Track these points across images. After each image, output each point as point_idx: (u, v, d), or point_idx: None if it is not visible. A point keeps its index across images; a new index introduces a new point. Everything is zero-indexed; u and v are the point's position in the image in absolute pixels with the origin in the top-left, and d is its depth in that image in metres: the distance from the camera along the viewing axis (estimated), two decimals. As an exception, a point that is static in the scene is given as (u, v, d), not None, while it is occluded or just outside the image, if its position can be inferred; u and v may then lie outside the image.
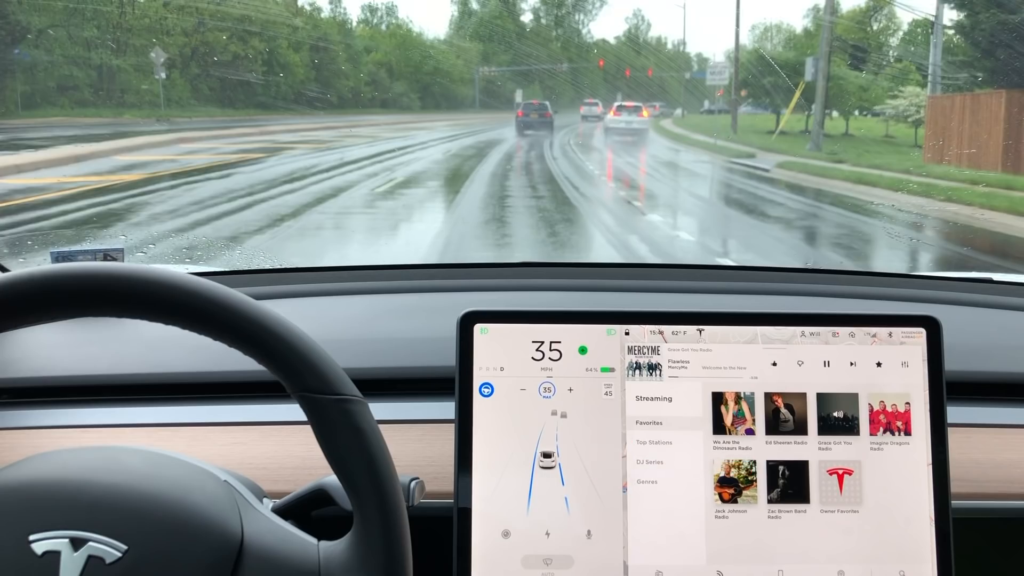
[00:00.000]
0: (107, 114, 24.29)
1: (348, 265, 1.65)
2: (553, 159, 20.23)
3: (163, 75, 24.14)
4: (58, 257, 1.37)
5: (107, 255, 1.39)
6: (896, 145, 19.94)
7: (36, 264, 0.82)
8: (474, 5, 47.22)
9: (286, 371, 0.76)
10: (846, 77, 23.56)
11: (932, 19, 17.88)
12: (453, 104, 41.84)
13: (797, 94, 20.52)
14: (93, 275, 0.74)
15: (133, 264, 0.76)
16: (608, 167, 20.50)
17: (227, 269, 1.61)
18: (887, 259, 8.59)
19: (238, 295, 0.76)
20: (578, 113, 36.32)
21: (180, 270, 0.80)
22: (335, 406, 0.76)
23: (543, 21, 52.20)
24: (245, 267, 1.74)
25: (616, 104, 29.38)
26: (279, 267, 1.72)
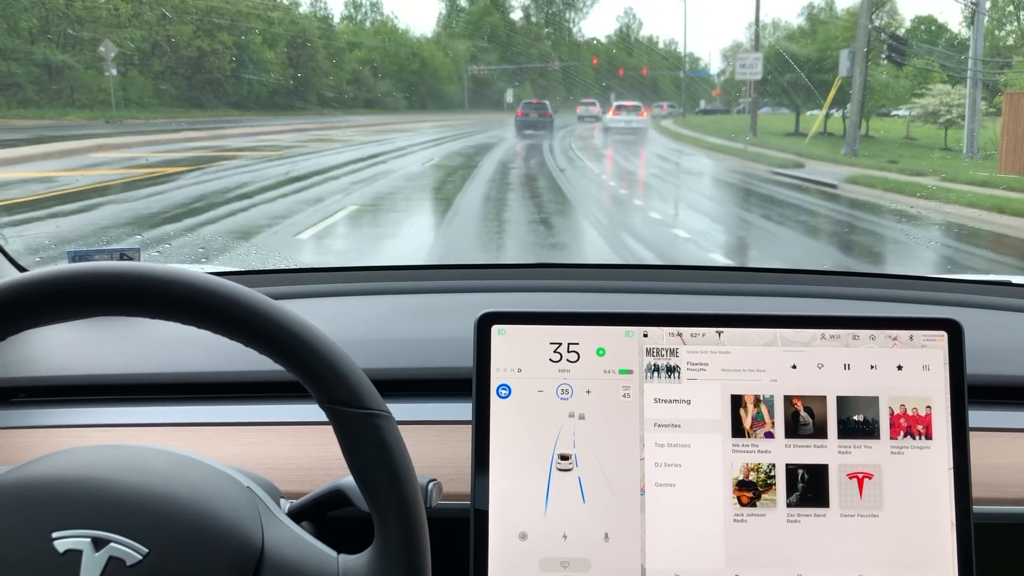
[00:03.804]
0: (51, 115, 23.66)
1: (364, 266, 1.73)
2: (560, 171, 18.01)
3: (113, 72, 23.50)
4: (75, 256, 1.44)
5: (123, 254, 1.47)
6: (922, 147, 19.81)
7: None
8: (462, 2, 47.68)
9: (315, 381, 0.82)
10: (871, 73, 23.60)
11: (973, 6, 17.64)
12: (441, 104, 42.07)
13: (833, 91, 20.16)
14: (120, 275, 0.80)
15: (158, 264, 0.83)
16: (624, 176, 18.75)
17: (243, 269, 1.69)
18: None
19: (267, 300, 0.83)
20: (572, 113, 36.91)
21: (198, 270, 0.87)
22: (363, 420, 0.82)
23: (533, 19, 52.88)
24: (261, 267, 1.82)
25: (615, 104, 30.49)
26: (295, 267, 1.80)
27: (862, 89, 18.49)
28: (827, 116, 24.11)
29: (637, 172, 19.95)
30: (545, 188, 14.81)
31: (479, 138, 27.78)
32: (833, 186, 14.64)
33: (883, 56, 21.64)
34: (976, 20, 17.41)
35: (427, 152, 22.35)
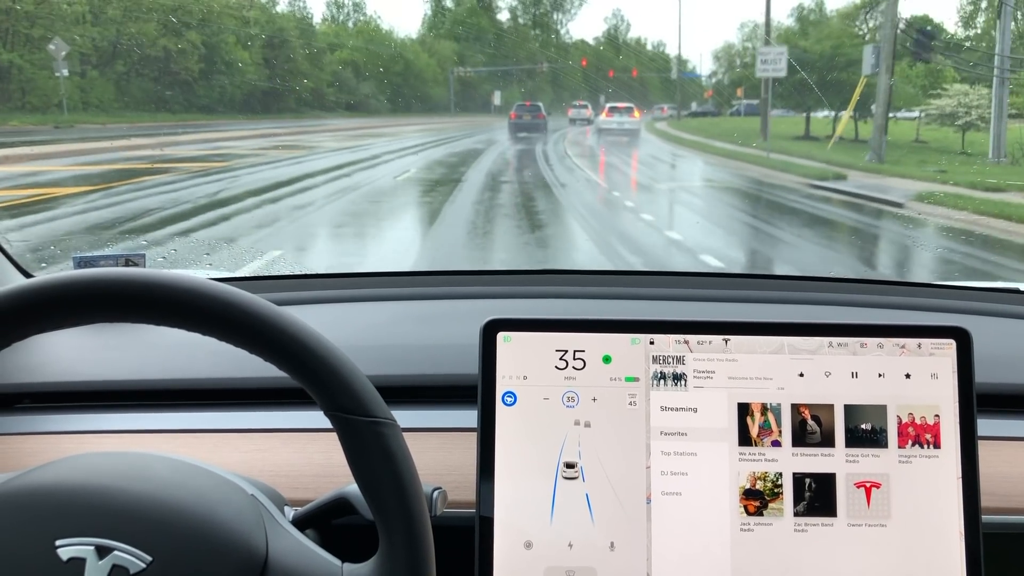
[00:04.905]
0: (-5, 120, 22.87)
1: (369, 272, 1.80)
2: (561, 185, 15.99)
3: (64, 72, 22.69)
4: (80, 262, 1.51)
5: (129, 260, 1.54)
6: (936, 151, 19.48)
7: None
8: (448, 3, 48.30)
9: (320, 389, 0.88)
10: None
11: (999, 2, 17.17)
12: (427, 107, 42.36)
13: (858, 90, 19.73)
14: (124, 281, 0.85)
15: (162, 271, 0.88)
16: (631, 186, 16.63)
17: (248, 275, 1.76)
18: None
19: (271, 306, 0.88)
20: (562, 116, 37.36)
21: (203, 276, 0.93)
22: (368, 428, 0.88)
23: (520, 20, 53.78)
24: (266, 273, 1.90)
25: (608, 106, 31.98)
26: (300, 273, 1.87)
27: (888, 88, 17.85)
28: (836, 118, 24.16)
29: (651, 186, 17.96)
30: (547, 212, 12.63)
31: (465, 143, 27.27)
32: (899, 205, 12.33)
33: (912, 52, 21.25)
34: (1003, 13, 16.74)
35: (404, 161, 20.91)
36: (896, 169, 15.93)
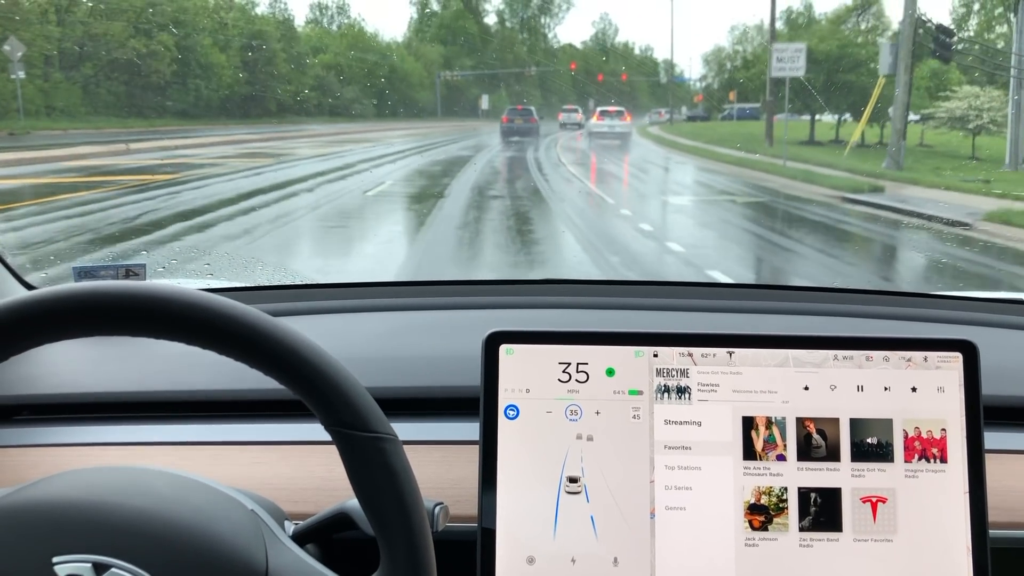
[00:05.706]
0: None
1: (368, 281, 1.84)
2: (560, 200, 14.68)
3: (21, 74, 22.17)
4: (81, 272, 1.54)
5: (129, 270, 1.57)
6: (943, 155, 19.30)
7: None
8: (434, 6, 48.63)
9: (321, 404, 0.90)
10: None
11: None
12: (413, 111, 42.39)
13: (877, 92, 19.20)
14: (122, 295, 0.88)
15: (161, 283, 0.90)
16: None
17: (246, 285, 1.80)
18: None
19: (270, 320, 0.90)
20: (552, 120, 37.69)
21: (202, 288, 0.96)
22: (370, 444, 0.90)
23: (508, 24, 54.25)
24: (265, 283, 1.93)
25: (599, 109, 32.65)
26: (299, 283, 1.90)
27: (908, 90, 17.19)
28: (842, 122, 24.17)
29: (663, 202, 16.21)
30: (547, 241, 10.68)
31: (451, 149, 26.92)
32: (967, 225, 10.63)
33: (932, 51, 20.99)
34: (1020, 11, 16.33)
35: (382, 170, 18.96)
36: (932, 179, 15.03)
